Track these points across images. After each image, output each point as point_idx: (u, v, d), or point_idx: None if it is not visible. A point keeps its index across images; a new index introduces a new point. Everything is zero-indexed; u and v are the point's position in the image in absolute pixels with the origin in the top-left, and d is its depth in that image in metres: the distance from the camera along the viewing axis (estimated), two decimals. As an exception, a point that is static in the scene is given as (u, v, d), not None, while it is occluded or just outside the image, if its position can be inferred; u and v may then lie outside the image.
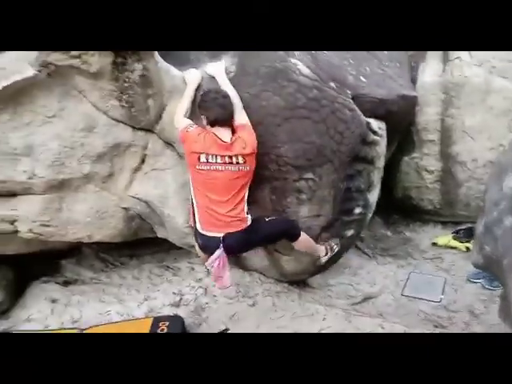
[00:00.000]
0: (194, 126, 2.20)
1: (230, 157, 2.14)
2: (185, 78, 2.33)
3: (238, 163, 2.15)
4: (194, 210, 2.32)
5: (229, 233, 2.23)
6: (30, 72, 1.95)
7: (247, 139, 2.17)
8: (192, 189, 2.28)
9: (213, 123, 2.17)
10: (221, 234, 2.24)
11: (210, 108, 2.15)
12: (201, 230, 2.29)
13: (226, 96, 2.19)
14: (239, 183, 2.20)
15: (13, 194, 2.32)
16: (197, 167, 2.16)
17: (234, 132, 2.22)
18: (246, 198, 2.27)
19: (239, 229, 2.25)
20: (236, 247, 2.33)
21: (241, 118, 2.24)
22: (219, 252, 2.24)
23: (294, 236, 2.48)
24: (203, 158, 2.13)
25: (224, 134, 2.17)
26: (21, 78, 1.95)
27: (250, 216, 2.29)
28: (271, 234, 2.47)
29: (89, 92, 2.14)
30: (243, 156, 2.15)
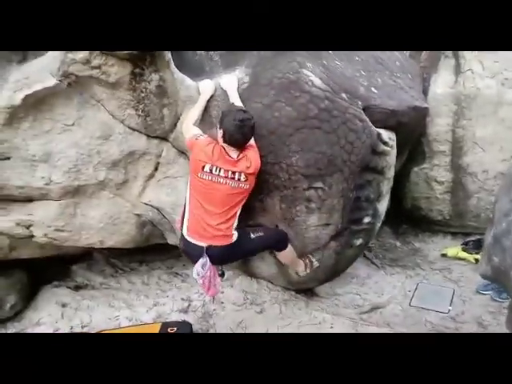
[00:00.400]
0: (205, 135, 2.24)
1: (234, 172, 2.17)
2: (199, 87, 2.37)
3: (239, 180, 2.19)
4: (183, 215, 2.34)
5: (212, 245, 2.26)
6: (52, 82, 2.02)
7: (252, 159, 2.21)
8: (188, 194, 2.30)
9: (227, 142, 2.19)
10: (204, 244, 2.26)
11: (232, 131, 2.15)
12: (186, 236, 2.31)
13: (252, 126, 2.20)
14: (235, 199, 2.23)
15: (29, 200, 2.38)
16: (199, 175, 2.19)
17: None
18: (237, 215, 2.29)
19: (223, 243, 2.27)
20: (218, 259, 2.34)
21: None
22: (204, 261, 2.26)
23: (281, 249, 2.55)
24: (207, 168, 2.17)
25: (232, 151, 2.21)
26: (42, 88, 2.01)
27: (236, 233, 2.31)
28: (256, 250, 2.54)
29: (107, 101, 2.19)
30: (246, 174, 2.19)
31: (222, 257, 2.34)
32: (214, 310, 2.86)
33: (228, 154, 2.19)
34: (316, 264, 2.69)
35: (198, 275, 2.28)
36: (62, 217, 2.43)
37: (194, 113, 2.32)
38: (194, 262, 2.29)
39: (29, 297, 2.99)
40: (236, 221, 2.30)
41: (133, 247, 2.86)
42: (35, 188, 2.30)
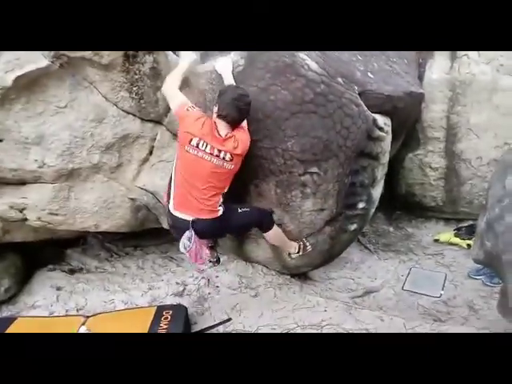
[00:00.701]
0: (196, 107, 2.20)
1: (220, 151, 2.15)
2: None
3: (224, 159, 2.16)
4: (170, 189, 2.32)
5: (198, 218, 2.26)
6: (44, 63, 1.98)
7: (240, 140, 2.19)
8: (174, 167, 2.28)
9: (221, 118, 2.17)
10: (191, 218, 2.25)
11: (229, 106, 2.13)
12: (172, 210, 2.30)
13: (248, 103, 2.19)
14: (218, 178, 2.21)
15: (23, 183, 2.36)
16: (185, 148, 2.16)
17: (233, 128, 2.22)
18: (221, 194, 2.28)
19: (209, 217, 2.27)
20: (205, 233, 2.34)
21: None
22: (189, 234, 2.26)
23: (266, 228, 2.53)
24: (194, 142, 2.14)
25: (223, 128, 2.17)
26: (34, 68, 1.97)
27: (222, 208, 2.30)
28: (242, 225, 2.52)
29: (99, 83, 2.16)
30: (231, 154, 2.16)
31: (208, 230, 2.34)
32: (209, 293, 2.88)
33: (217, 131, 2.16)
34: (309, 248, 2.71)
35: (185, 248, 2.29)
36: (56, 200, 2.41)
37: (174, 77, 2.23)
38: (181, 236, 2.29)
39: (23, 280, 2.99)
40: (220, 199, 2.28)
41: (127, 231, 2.86)
42: (28, 171, 2.28)
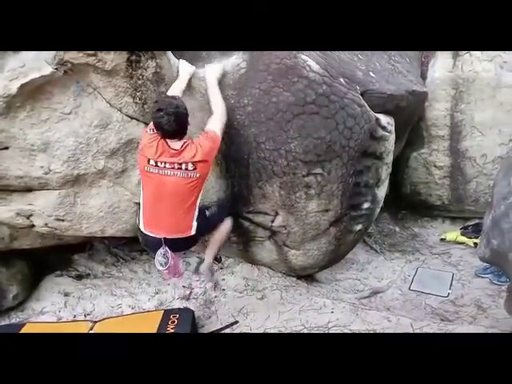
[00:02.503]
0: (154, 131, 2.13)
1: (180, 163, 2.10)
2: (179, 68, 2.32)
3: (187, 169, 2.10)
4: (139, 210, 2.31)
5: (172, 238, 2.22)
6: (48, 70, 2.00)
7: (202, 146, 2.12)
8: (141, 188, 2.25)
9: (162, 136, 2.10)
10: (162, 236, 2.22)
11: (158, 122, 2.05)
12: (143, 230, 2.28)
13: (175, 113, 2.03)
14: (187, 190, 2.15)
15: (29, 190, 2.38)
16: (145, 168, 2.13)
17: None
18: (195, 206, 2.22)
19: (182, 236, 2.24)
20: (179, 248, 2.34)
21: (210, 125, 2.22)
22: (163, 250, 2.23)
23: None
24: (152, 162, 2.10)
25: (175, 143, 2.11)
26: (38, 76, 1.99)
27: (195, 224, 2.25)
28: (213, 227, 2.47)
29: (103, 89, 2.18)
30: (193, 163, 2.10)
31: (182, 246, 2.35)
32: (216, 296, 2.89)
33: (170, 147, 2.10)
34: (215, 268, 2.73)
35: (161, 266, 2.25)
36: (62, 206, 2.43)
37: (173, 91, 2.22)
38: (154, 252, 2.26)
39: (31, 287, 3.01)
40: (195, 212, 2.23)
41: (133, 236, 2.87)
42: (34, 178, 2.30)
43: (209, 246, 2.56)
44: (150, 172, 2.13)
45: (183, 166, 2.10)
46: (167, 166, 2.10)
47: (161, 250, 2.23)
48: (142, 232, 2.30)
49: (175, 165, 2.10)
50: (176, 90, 2.24)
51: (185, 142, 2.12)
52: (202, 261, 2.79)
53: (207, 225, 2.39)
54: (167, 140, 2.11)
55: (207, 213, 2.38)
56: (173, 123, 2.04)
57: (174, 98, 2.11)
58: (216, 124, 2.23)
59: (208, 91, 2.32)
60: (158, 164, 2.10)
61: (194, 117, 2.31)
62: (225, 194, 2.58)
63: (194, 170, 2.12)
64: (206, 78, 2.34)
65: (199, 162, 2.11)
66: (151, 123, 2.14)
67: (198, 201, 2.24)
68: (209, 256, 2.55)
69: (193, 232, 2.25)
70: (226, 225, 2.51)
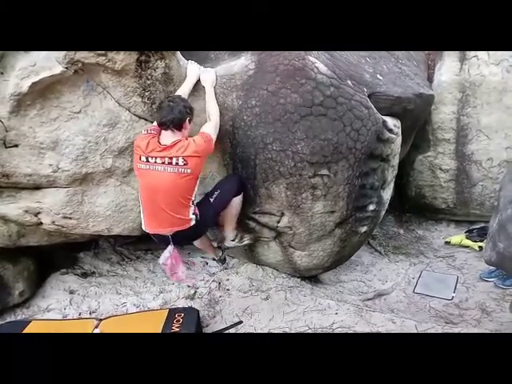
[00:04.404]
0: (151, 130, 2.20)
1: (170, 158, 2.11)
2: (201, 78, 2.37)
3: (177, 165, 2.11)
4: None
5: (177, 231, 2.27)
6: (58, 69, 2.01)
7: (196, 141, 2.14)
8: (139, 188, 2.31)
9: (158, 124, 2.18)
10: (168, 233, 2.27)
11: (161, 111, 2.14)
12: (146, 229, 2.34)
13: (179, 103, 2.14)
14: (179, 185, 2.17)
15: (37, 187, 2.40)
16: (138, 166, 2.18)
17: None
18: (190, 200, 2.24)
19: (184, 227, 2.27)
20: (186, 240, 2.44)
21: (206, 128, 2.26)
22: (170, 249, 2.30)
23: (236, 194, 2.50)
24: (143, 158, 2.14)
25: (167, 137, 2.15)
26: (49, 75, 2.01)
27: (194, 216, 2.28)
28: (221, 207, 2.48)
29: (113, 89, 2.19)
30: (183, 158, 2.11)
31: (188, 237, 2.42)
32: (220, 296, 2.89)
33: (160, 142, 2.15)
34: (245, 241, 2.68)
35: (161, 260, 2.36)
36: (70, 204, 2.44)
37: (180, 92, 2.28)
38: (164, 245, 2.35)
39: (37, 284, 3.03)
40: (190, 206, 2.25)
41: (139, 235, 2.88)
42: (43, 176, 2.31)
43: (226, 222, 2.61)
44: (141, 169, 2.16)
45: (174, 161, 2.11)
46: (158, 161, 2.12)
47: (169, 247, 2.31)
48: (148, 233, 2.36)
49: (166, 159, 2.11)
50: (184, 90, 2.29)
51: (177, 139, 2.15)
52: (220, 250, 2.85)
53: (212, 211, 2.41)
54: (161, 134, 2.16)
55: (211, 200, 2.40)
56: (173, 112, 2.10)
57: (184, 98, 2.20)
58: (212, 129, 2.27)
59: (206, 98, 2.35)
60: (149, 159, 2.13)
61: (200, 117, 2.35)
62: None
63: (184, 165, 2.12)
64: (204, 84, 2.37)
65: (190, 156, 2.12)
66: (147, 126, 2.21)
67: (194, 194, 2.25)
68: (229, 231, 2.62)
69: (192, 223, 2.27)
70: (237, 200, 2.51)
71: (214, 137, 2.25)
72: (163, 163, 2.12)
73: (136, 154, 2.19)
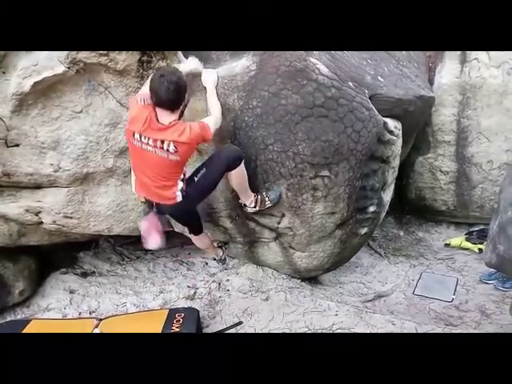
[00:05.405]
0: (147, 101, 2.10)
1: (162, 141, 2.05)
2: (202, 78, 2.35)
3: (168, 151, 2.07)
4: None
5: (162, 203, 2.27)
6: (61, 69, 2.02)
7: (192, 128, 2.08)
8: (130, 156, 2.27)
9: (155, 104, 2.07)
10: (154, 201, 2.29)
11: (156, 88, 2.02)
12: (135, 193, 2.35)
13: (176, 82, 2.03)
14: (165, 169, 2.14)
15: (38, 187, 2.41)
16: (130, 140, 2.13)
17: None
18: (177, 180, 2.20)
19: (169, 203, 2.25)
20: (172, 215, 2.43)
21: (207, 119, 2.22)
22: (150, 214, 2.33)
23: (232, 167, 2.34)
24: (137, 135, 2.08)
25: (165, 116, 2.08)
26: (51, 74, 2.02)
27: (180, 194, 2.22)
28: (209, 188, 2.39)
29: (114, 89, 2.21)
30: (175, 144, 2.05)
31: (174, 214, 2.41)
32: (220, 297, 2.90)
33: (158, 120, 2.07)
34: (268, 203, 2.54)
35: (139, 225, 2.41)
36: (71, 204, 2.45)
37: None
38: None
39: (37, 283, 3.04)
40: (176, 187, 2.21)
41: (139, 235, 2.88)
42: (44, 175, 2.32)
43: (239, 192, 2.51)
44: (134, 145, 2.12)
45: (165, 146, 2.06)
46: (150, 142, 2.07)
47: (151, 213, 2.34)
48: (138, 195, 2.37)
49: (158, 142, 2.06)
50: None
51: (175, 120, 2.09)
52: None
53: (197, 190, 2.31)
54: (158, 111, 2.07)
55: (195, 178, 2.30)
56: (171, 92, 2.01)
57: (176, 69, 2.09)
58: (211, 120, 2.21)
59: (207, 97, 2.34)
60: (142, 139, 2.07)
61: (193, 114, 2.35)
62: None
63: (175, 152, 2.07)
64: (206, 85, 2.35)
65: (183, 143, 2.06)
66: (141, 92, 2.12)
67: (182, 174, 2.21)
68: (246, 198, 2.51)
69: (178, 199, 2.23)
70: (234, 173, 2.36)
71: (212, 127, 2.18)
72: (155, 146, 2.07)
73: (129, 130, 2.10)
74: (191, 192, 2.26)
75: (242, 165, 2.34)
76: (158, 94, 2.02)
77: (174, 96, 2.04)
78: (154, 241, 2.39)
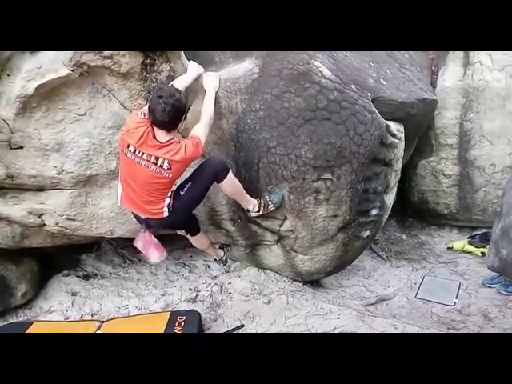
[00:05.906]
0: (146, 116, 2.08)
1: (157, 158, 2.05)
2: (203, 82, 2.36)
3: (161, 167, 2.06)
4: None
5: (149, 218, 2.26)
6: (64, 71, 2.03)
7: (187, 148, 2.07)
8: (119, 164, 2.25)
9: (152, 123, 2.06)
10: (141, 215, 2.27)
11: (153, 108, 2.02)
12: (120, 205, 2.33)
13: (173, 104, 2.01)
14: (156, 186, 2.13)
15: (41, 189, 2.41)
16: (124, 151, 2.10)
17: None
18: (165, 199, 2.19)
19: (155, 218, 2.24)
20: (159, 227, 2.40)
21: (196, 130, 2.19)
22: (142, 231, 2.34)
23: (220, 179, 2.31)
24: (131, 148, 2.07)
25: (161, 135, 2.07)
26: (55, 77, 2.02)
27: (167, 209, 2.22)
28: (196, 200, 2.36)
29: (118, 91, 2.21)
30: (169, 162, 2.06)
31: (161, 226, 2.39)
32: (222, 300, 2.89)
33: (155, 137, 2.06)
34: (272, 207, 2.53)
35: (136, 244, 2.40)
36: (74, 206, 2.45)
37: (176, 82, 2.21)
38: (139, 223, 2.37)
39: (39, 285, 3.04)
40: (164, 204, 2.20)
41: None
42: (47, 177, 2.32)
43: (237, 200, 2.52)
44: (127, 156, 2.10)
45: (159, 163, 2.05)
46: (144, 156, 2.06)
47: (141, 231, 2.36)
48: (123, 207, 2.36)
49: (152, 158, 2.05)
50: (180, 83, 2.21)
51: (172, 139, 2.08)
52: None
53: (183, 204, 2.28)
54: (155, 128, 2.07)
55: (181, 193, 2.27)
56: (167, 114, 2.00)
57: (177, 90, 2.07)
58: (201, 132, 2.19)
59: (204, 101, 2.33)
60: (136, 152, 2.07)
61: (195, 117, 2.32)
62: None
63: (168, 169, 2.07)
64: (205, 88, 2.35)
65: (177, 162, 2.07)
66: (144, 107, 2.13)
67: (170, 192, 2.20)
68: (247, 203, 2.50)
69: (165, 215, 2.22)
70: (224, 184, 2.33)
71: (203, 139, 2.17)
72: (148, 161, 2.06)
73: (124, 140, 2.08)
74: (178, 206, 2.25)
75: (231, 174, 2.33)
76: (154, 115, 2.02)
77: (169, 118, 2.02)
78: (154, 256, 2.42)
